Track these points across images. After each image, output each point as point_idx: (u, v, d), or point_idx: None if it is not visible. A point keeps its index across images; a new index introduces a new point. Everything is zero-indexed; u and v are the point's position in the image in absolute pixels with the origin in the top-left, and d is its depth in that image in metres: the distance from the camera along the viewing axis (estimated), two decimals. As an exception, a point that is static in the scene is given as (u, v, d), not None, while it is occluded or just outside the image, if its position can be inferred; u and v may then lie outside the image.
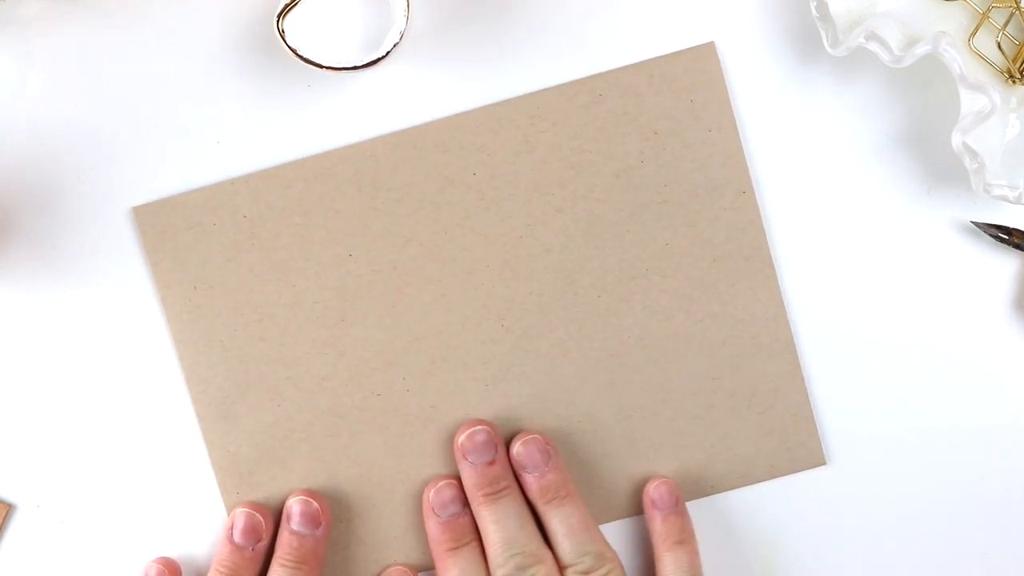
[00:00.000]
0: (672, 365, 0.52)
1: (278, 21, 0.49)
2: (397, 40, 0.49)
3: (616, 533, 0.52)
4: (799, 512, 0.53)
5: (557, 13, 0.52)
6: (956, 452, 0.53)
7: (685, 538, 0.50)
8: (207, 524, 0.52)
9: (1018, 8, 0.50)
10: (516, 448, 0.50)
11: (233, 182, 0.51)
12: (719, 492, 0.52)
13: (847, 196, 0.52)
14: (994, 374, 0.53)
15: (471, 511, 0.50)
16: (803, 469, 0.52)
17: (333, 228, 0.51)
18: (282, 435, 0.52)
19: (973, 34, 0.50)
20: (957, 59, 0.46)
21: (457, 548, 0.50)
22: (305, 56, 0.49)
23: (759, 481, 0.52)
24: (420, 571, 0.52)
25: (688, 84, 0.51)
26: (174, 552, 0.52)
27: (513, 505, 0.50)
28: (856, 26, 0.49)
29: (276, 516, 0.51)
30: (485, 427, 0.51)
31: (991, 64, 0.50)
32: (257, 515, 0.50)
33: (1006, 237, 0.49)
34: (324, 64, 0.49)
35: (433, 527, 0.50)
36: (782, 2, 0.52)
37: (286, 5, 0.49)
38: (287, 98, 0.51)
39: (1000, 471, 0.53)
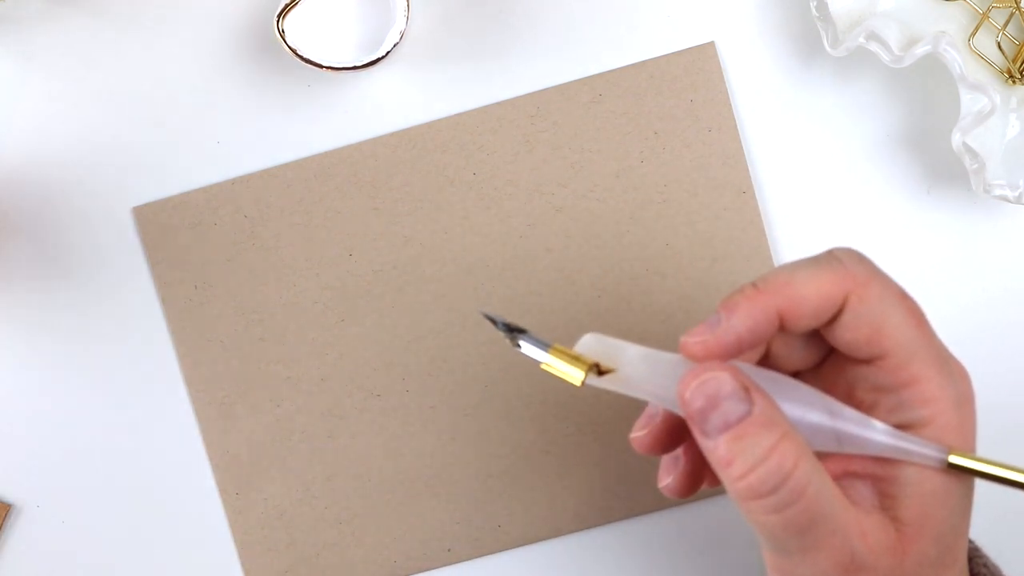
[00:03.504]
0: (672, 365, 0.52)
1: (278, 21, 0.49)
2: (397, 40, 0.49)
3: (617, 534, 0.52)
4: (799, 512, 0.53)
5: (557, 13, 0.52)
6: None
7: None
8: (206, 524, 0.52)
9: (1018, 8, 0.50)
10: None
11: (233, 182, 0.51)
12: (720, 493, 0.52)
13: (847, 196, 0.52)
14: (994, 374, 0.53)
15: None
16: (803, 469, 0.52)
17: (333, 228, 0.51)
18: (282, 435, 0.52)
19: (973, 34, 0.50)
20: (957, 59, 0.46)
21: None
22: (305, 56, 0.49)
23: (759, 481, 0.52)
24: (418, 573, 0.52)
25: (688, 84, 0.51)
26: (173, 552, 0.52)
27: None
28: (856, 26, 0.49)
29: (271, 518, 0.51)
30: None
31: (991, 64, 0.50)
32: None
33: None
34: (324, 64, 0.49)
35: None
36: (782, 2, 0.52)
37: (286, 5, 0.49)
38: (287, 98, 0.51)
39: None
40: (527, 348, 0.37)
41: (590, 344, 0.37)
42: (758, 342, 0.35)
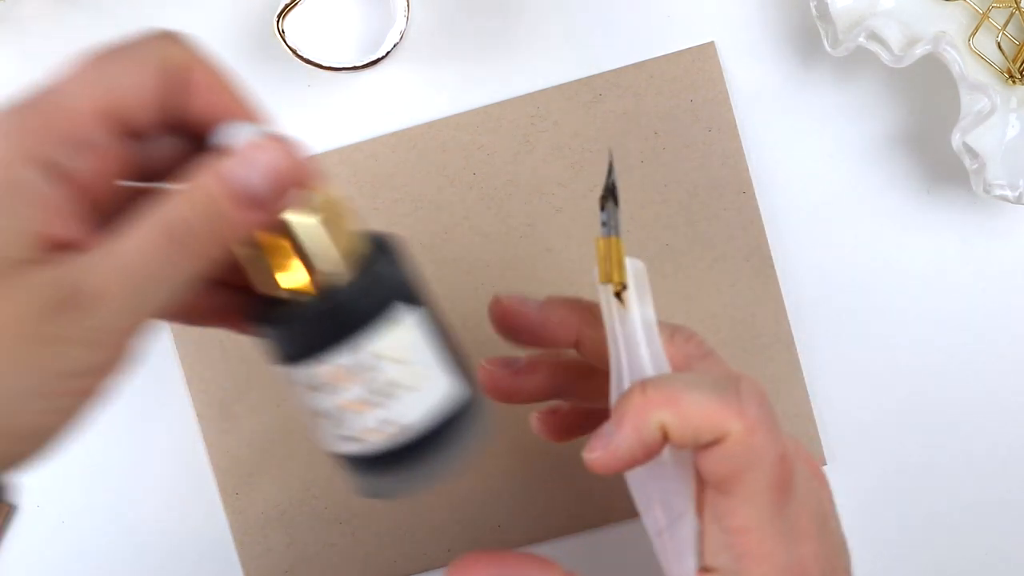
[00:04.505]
0: (672, 365, 0.52)
1: (278, 21, 0.49)
2: (397, 40, 0.49)
3: (617, 534, 0.52)
4: (799, 512, 0.53)
5: (557, 13, 0.52)
6: (956, 451, 0.53)
7: None
8: (206, 524, 0.52)
9: (1018, 8, 0.50)
10: None
11: (233, 182, 0.51)
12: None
13: (847, 196, 0.52)
14: (995, 375, 0.53)
15: None
16: (803, 469, 0.52)
17: (333, 228, 0.51)
18: (282, 436, 0.52)
19: (973, 34, 0.50)
20: (957, 59, 0.46)
21: None
22: (305, 56, 0.49)
23: (759, 481, 0.52)
24: (418, 574, 0.52)
25: (688, 84, 0.51)
26: (173, 552, 0.52)
27: None
28: (856, 26, 0.49)
29: (271, 518, 0.51)
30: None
31: (991, 64, 0.50)
32: None
33: None
34: (324, 64, 0.49)
35: None
36: (782, 2, 0.52)
37: (286, 5, 0.49)
38: (287, 98, 0.51)
39: (1000, 471, 0.53)
40: (605, 216, 0.36)
41: (634, 269, 0.37)
42: (647, 453, 0.34)
